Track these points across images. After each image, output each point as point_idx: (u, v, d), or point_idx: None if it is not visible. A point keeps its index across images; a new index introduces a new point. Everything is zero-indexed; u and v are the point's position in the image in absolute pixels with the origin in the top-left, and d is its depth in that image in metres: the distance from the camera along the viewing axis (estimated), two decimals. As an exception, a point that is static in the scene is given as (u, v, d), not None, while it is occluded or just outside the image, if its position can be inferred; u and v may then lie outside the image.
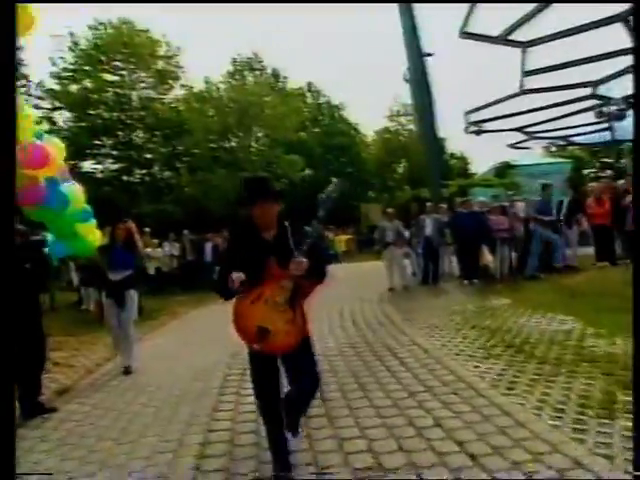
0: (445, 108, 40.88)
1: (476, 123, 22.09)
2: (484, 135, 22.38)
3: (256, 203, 2.51)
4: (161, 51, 20.62)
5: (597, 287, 6.89)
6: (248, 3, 20.79)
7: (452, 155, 33.68)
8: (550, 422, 3.08)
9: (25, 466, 3.05)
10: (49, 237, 6.49)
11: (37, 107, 18.29)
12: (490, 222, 8.81)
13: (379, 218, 10.55)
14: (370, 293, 9.08)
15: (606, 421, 3.00)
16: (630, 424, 2.91)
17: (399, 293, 9.06)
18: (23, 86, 18.12)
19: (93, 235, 5.46)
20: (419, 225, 9.62)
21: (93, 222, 5.46)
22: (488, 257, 8.92)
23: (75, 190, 5.07)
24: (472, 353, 4.73)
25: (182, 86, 21.04)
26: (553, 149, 30.35)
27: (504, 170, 22.09)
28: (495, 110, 20.67)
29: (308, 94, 31.04)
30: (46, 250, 7.66)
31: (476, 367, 4.28)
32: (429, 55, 21.97)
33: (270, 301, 2.43)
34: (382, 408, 3.51)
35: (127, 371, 5.10)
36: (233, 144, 20.36)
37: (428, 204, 10.26)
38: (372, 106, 49.11)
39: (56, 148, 4.72)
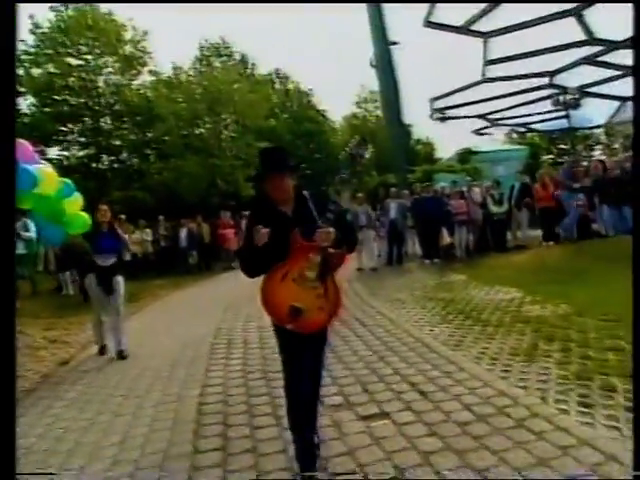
0: (412, 95, 41.70)
1: (441, 110, 22.99)
2: (451, 121, 23.32)
3: (269, 176, 2.44)
4: (127, 35, 20.44)
5: (539, 263, 7.81)
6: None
7: (418, 141, 34.66)
8: (486, 367, 3.86)
9: (54, 406, 3.60)
10: (32, 225, 6.62)
11: None
12: (450, 207, 9.63)
13: (348, 203, 11.14)
14: (339, 273, 9.77)
15: (527, 364, 3.79)
16: (547, 366, 3.72)
17: (366, 273, 9.79)
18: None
19: (79, 208, 5.20)
20: (384, 209, 10.35)
21: (79, 196, 5.21)
22: (447, 239, 9.76)
23: (45, 170, 4.83)
24: (429, 320, 5.50)
25: (150, 72, 20.94)
26: (514, 136, 31.67)
27: (466, 156, 23.12)
28: (459, 97, 21.59)
29: (276, 80, 31.20)
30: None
31: (431, 330, 5.05)
32: (395, 44, 22.64)
33: (299, 278, 2.34)
34: (354, 366, 4.20)
35: (121, 356, 5.14)
36: (203, 130, 20.50)
37: (392, 189, 11.01)
38: (340, 93, 49.51)
39: None
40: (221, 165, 18.20)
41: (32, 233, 8.29)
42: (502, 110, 22.12)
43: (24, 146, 4.53)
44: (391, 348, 4.56)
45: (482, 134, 25.41)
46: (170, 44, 33.03)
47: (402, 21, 26.39)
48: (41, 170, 4.67)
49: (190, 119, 19.34)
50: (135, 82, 21.08)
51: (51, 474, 2.71)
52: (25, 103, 19.08)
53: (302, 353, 2.41)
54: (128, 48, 20.51)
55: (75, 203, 5.13)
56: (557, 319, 4.88)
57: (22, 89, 18.64)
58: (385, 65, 22.60)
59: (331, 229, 2.28)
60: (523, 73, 19.04)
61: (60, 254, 9.31)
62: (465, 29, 17.98)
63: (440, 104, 22.86)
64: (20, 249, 8.27)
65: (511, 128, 28.49)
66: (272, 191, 2.45)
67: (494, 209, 9.97)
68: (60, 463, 2.92)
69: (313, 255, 2.32)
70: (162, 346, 5.50)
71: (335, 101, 55.54)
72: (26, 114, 19.15)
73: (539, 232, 10.18)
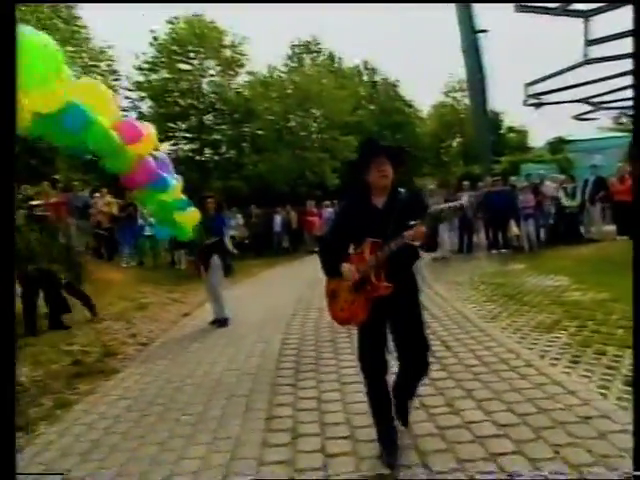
0: (506, 81, 40.15)
1: (536, 95, 22.33)
2: (547, 107, 22.56)
3: (369, 164, 2.46)
4: (228, 41, 22.65)
5: (602, 255, 8.15)
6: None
7: (511, 129, 33.61)
8: (507, 335, 4.74)
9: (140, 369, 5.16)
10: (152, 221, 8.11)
11: (127, 98, 21.20)
12: (518, 200, 10.11)
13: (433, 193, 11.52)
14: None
15: (542, 334, 4.62)
16: (559, 336, 4.52)
17: (436, 261, 10.59)
18: (116, 80, 20.97)
19: (193, 221, 6.04)
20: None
21: (191, 210, 5.98)
22: (515, 230, 10.25)
23: (175, 183, 5.73)
24: (476, 299, 6.37)
25: (248, 73, 23.05)
26: (624, 120, 29.49)
27: (558, 145, 22.33)
28: (556, 82, 20.84)
29: (364, 72, 32.02)
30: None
31: (474, 307, 5.95)
32: (483, 31, 22.45)
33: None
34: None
35: (218, 323, 5.99)
36: (294, 124, 22.15)
37: (464, 182, 11.68)
38: (428, 82, 48.89)
39: (147, 128, 5.24)
40: (310, 157, 19.75)
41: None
42: (607, 93, 20.97)
43: (167, 161, 5.75)
44: (436, 317, 5.56)
45: (584, 119, 24.17)
46: (266, 45, 35.21)
47: (491, 7, 25.83)
48: (173, 181, 5.68)
49: (282, 114, 21.09)
50: (234, 82, 23.33)
51: (51, 474, 2.71)
52: (145, 105, 22.04)
53: (377, 346, 2.56)
54: (228, 52, 22.75)
55: (186, 216, 5.95)
56: (591, 304, 5.52)
57: (142, 94, 21.70)
58: (472, 53, 22.54)
59: (424, 228, 2.24)
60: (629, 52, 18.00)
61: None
62: (562, 10, 17.50)
63: (535, 89, 22.27)
64: (147, 231, 10.41)
65: (619, 112, 26.64)
66: (371, 180, 2.47)
67: (567, 202, 10.23)
68: (192, 371, 4.41)
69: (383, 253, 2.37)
70: (253, 310, 6.97)
71: (423, 90, 54.91)
72: (145, 115, 22.19)
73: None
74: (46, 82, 3.51)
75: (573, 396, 3.23)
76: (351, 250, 2.57)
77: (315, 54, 26.95)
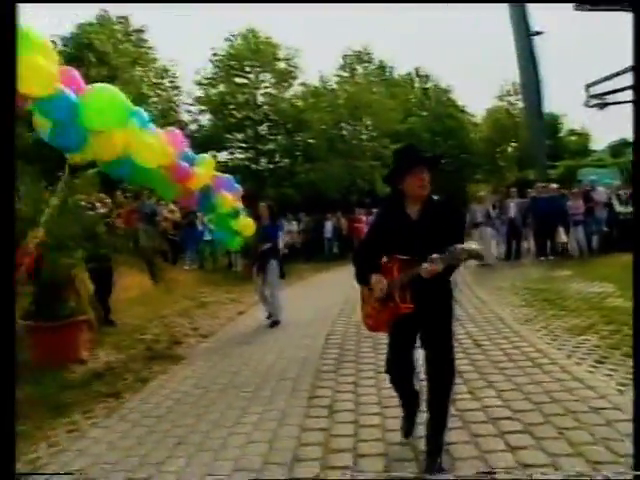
0: (566, 83, 38.75)
1: (599, 96, 21.59)
2: (610, 108, 21.75)
3: (406, 173, 2.43)
4: (281, 54, 23.71)
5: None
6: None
7: (571, 132, 32.46)
8: (538, 335, 5.01)
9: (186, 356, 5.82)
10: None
11: (188, 112, 22.81)
12: (567, 207, 10.08)
13: (488, 199, 11.45)
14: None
15: (574, 336, 4.85)
16: (589, 338, 4.74)
17: (481, 267, 10.72)
18: (177, 95, 22.65)
19: (247, 228, 6.62)
20: (504, 208, 11.15)
21: (244, 219, 6.57)
22: (563, 237, 10.21)
23: (223, 196, 6.19)
24: (515, 303, 6.60)
25: (300, 84, 24.00)
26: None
27: (621, 148, 21.49)
28: (620, 81, 20.09)
29: (416, 79, 32.11)
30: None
31: (511, 310, 6.20)
32: (538, 34, 22.04)
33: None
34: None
35: (272, 322, 6.44)
36: (345, 133, 22.77)
37: (511, 189, 11.72)
38: (481, 87, 48.01)
39: (204, 165, 5.86)
40: (361, 166, 20.28)
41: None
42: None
43: (225, 179, 6.49)
44: (472, 319, 5.88)
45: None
46: (319, 56, 36.05)
47: (549, 7, 25.24)
48: (220, 197, 6.18)
49: (333, 124, 21.78)
50: (287, 94, 24.34)
51: (51, 474, 2.73)
52: (204, 118, 23.50)
53: (404, 350, 2.65)
54: (282, 65, 23.80)
55: (241, 224, 6.56)
56: (630, 309, 5.62)
57: (202, 107, 23.18)
58: (527, 55, 22.19)
59: (440, 267, 2.24)
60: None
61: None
62: (624, 6, 16.94)
63: (598, 90, 21.52)
64: (207, 237, 11.36)
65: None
66: (406, 187, 2.45)
67: (620, 209, 10.08)
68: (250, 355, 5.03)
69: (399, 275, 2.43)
70: (303, 310, 7.54)
71: (477, 96, 53.91)
72: (204, 126, 23.65)
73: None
74: (111, 130, 4.14)
75: (591, 390, 3.51)
76: (385, 259, 2.58)
77: (366, 64, 27.47)
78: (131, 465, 2.82)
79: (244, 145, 24.30)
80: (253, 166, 24.24)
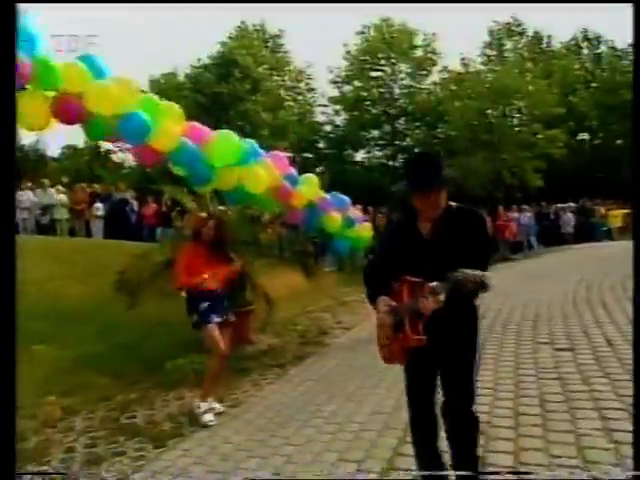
0: None
1: None
2: None
3: (413, 192, 2.41)
4: (418, 40, 24.82)
5: None
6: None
7: None
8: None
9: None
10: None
11: (322, 113, 25.36)
12: None
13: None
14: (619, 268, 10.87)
15: None
16: None
17: None
18: (312, 97, 25.33)
19: (363, 232, 7.44)
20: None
21: (358, 226, 7.32)
22: None
23: (331, 217, 6.86)
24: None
25: (440, 71, 24.83)
26: None
27: None
28: None
29: (584, 44, 30.33)
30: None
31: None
32: None
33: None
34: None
35: None
36: (492, 120, 22.90)
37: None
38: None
39: (308, 183, 6.62)
40: (507, 158, 20.37)
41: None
42: None
43: (331, 198, 7.00)
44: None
45: None
46: (458, 38, 36.16)
47: None
48: (326, 217, 6.89)
49: (477, 112, 22.15)
50: (426, 83, 25.34)
51: (51, 474, 2.85)
52: (339, 118, 25.77)
53: (424, 391, 2.52)
54: (419, 52, 24.90)
55: (355, 231, 7.34)
56: None
57: (337, 107, 25.44)
58: None
59: (441, 297, 2.14)
60: None
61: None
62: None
63: None
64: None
65: None
66: (416, 204, 2.43)
67: None
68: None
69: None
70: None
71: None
72: (339, 126, 25.90)
73: None
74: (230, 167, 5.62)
75: None
76: (395, 281, 2.45)
77: (517, 37, 27.07)
78: (298, 407, 4.44)
79: (381, 142, 25.97)
80: (390, 163, 25.76)
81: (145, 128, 4.70)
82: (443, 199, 2.42)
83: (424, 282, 2.23)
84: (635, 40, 2.61)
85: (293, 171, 6.68)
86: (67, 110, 4.17)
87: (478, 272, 2.11)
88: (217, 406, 4.37)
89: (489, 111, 22.40)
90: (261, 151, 6.17)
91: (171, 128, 5.03)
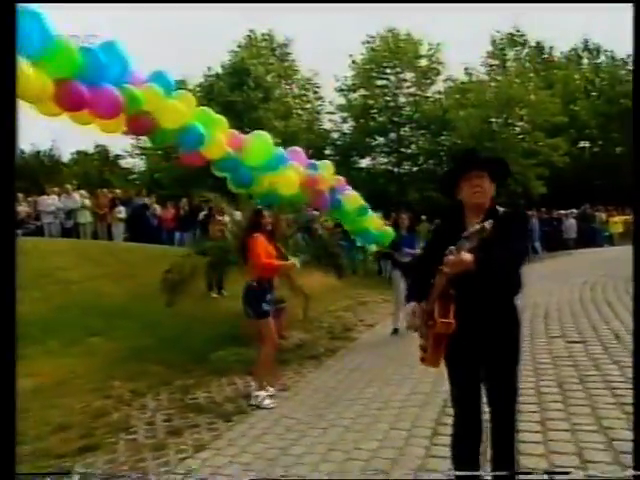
0: None
1: None
2: None
3: (461, 178, 2.38)
4: (423, 50, 25.48)
5: None
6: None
7: None
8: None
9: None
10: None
11: (330, 120, 25.99)
12: None
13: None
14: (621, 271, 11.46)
15: None
16: None
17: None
18: (320, 105, 25.98)
19: (375, 223, 7.63)
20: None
21: (372, 214, 7.56)
22: None
23: (349, 195, 7.17)
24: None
25: (444, 80, 25.50)
26: None
27: None
28: None
29: (584, 54, 31.03)
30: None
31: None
32: None
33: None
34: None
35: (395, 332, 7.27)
36: (495, 128, 23.56)
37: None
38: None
39: (326, 169, 6.92)
40: (510, 164, 20.97)
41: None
42: None
43: (341, 182, 7.33)
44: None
45: None
46: (463, 48, 36.86)
47: None
48: (346, 195, 7.23)
49: (481, 120, 22.81)
50: (430, 91, 26.00)
51: (51, 474, 2.93)
52: (346, 126, 26.40)
53: (471, 394, 2.48)
54: (424, 61, 25.56)
55: (369, 220, 7.55)
56: None
57: (344, 114, 26.08)
58: None
59: (466, 257, 2.08)
60: None
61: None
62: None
63: None
64: (358, 242, 13.64)
65: None
66: (464, 197, 2.39)
67: None
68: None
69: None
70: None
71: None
72: (346, 134, 26.52)
73: None
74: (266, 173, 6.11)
75: None
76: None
77: (519, 47, 27.77)
78: (342, 389, 4.99)
79: (386, 149, 26.58)
80: (396, 170, 26.36)
81: (201, 138, 5.27)
82: (491, 190, 2.40)
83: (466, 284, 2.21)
84: (635, 40, 2.48)
85: (311, 160, 7.04)
86: (142, 126, 4.74)
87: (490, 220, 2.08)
88: (271, 389, 4.90)
89: (493, 120, 23.05)
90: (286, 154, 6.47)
91: (220, 138, 5.60)
